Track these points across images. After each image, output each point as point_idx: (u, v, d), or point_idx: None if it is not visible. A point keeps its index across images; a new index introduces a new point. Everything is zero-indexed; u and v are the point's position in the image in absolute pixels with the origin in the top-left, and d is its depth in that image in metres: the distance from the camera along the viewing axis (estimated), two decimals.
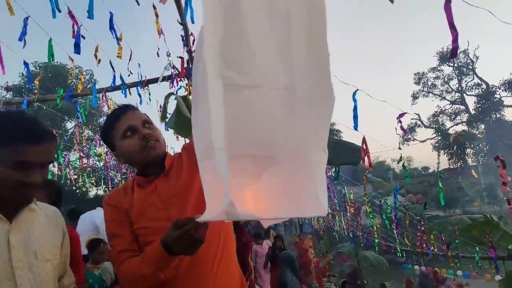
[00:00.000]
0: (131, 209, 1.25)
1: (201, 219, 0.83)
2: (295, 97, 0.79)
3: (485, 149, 29.98)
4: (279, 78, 0.77)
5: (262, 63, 0.76)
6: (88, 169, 16.64)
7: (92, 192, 22.06)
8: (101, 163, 17.21)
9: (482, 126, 30.55)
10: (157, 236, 1.04)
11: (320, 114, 0.85)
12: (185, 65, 4.06)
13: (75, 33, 3.14)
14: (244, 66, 0.75)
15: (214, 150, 0.67)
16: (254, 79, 0.75)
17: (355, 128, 2.38)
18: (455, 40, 1.74)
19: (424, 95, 33.58)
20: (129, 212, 1.25)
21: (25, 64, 3.88)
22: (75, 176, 17.08)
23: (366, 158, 3.13)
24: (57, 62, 20.11)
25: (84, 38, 3.09)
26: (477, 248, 4.86)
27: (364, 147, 3.11)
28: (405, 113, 2.67)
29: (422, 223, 5.65)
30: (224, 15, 0.74)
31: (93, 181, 17.87)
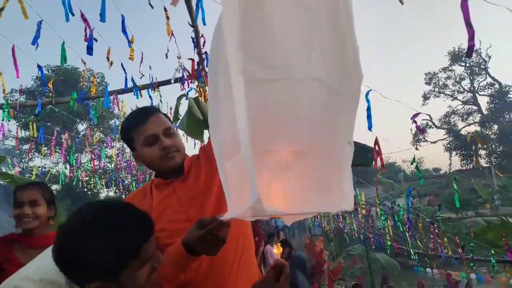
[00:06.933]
0: (150, 211, 1.24)
1: (226, 217, 0.82)
2: (328, 88, 0.76)
3: (498, 150, 29.41)
4: (307, 69, 0.74)
5: (287, 56, 0.73)
6: (99, 170, 16.83)
7: (103, 193, 22.33)
8: (112, 165, 17.40)
9: (495, 127, 29.98)
10: (176, 238, 1.03)
11: (349, 107, 0.83)
12: (196, 67, 4.07)
13: (87, 36, 3.18)
14: (267, 60, 0.73)
15: (239, 146, 0.65)
16: (278, 72, 0.73)
17: (369, 128, 2.35)
18: (471, 38, 1.70)
19: (435, 95, 33.11)
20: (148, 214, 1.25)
21: (39, 67, 3.94)
22: (87, 178, 17.30)
23: (378, 159, 3.08)
24: (68, 65, 20.46)
25: (96, 40, 3.12)
26: (492, 251, 4.76)
27: (377, 148, 3.07)
28: (419, 113, 2.63)
29: (436, 225, 5.55)
30: (245, 9, 0.72)
31: (104, 183, 18.06)
